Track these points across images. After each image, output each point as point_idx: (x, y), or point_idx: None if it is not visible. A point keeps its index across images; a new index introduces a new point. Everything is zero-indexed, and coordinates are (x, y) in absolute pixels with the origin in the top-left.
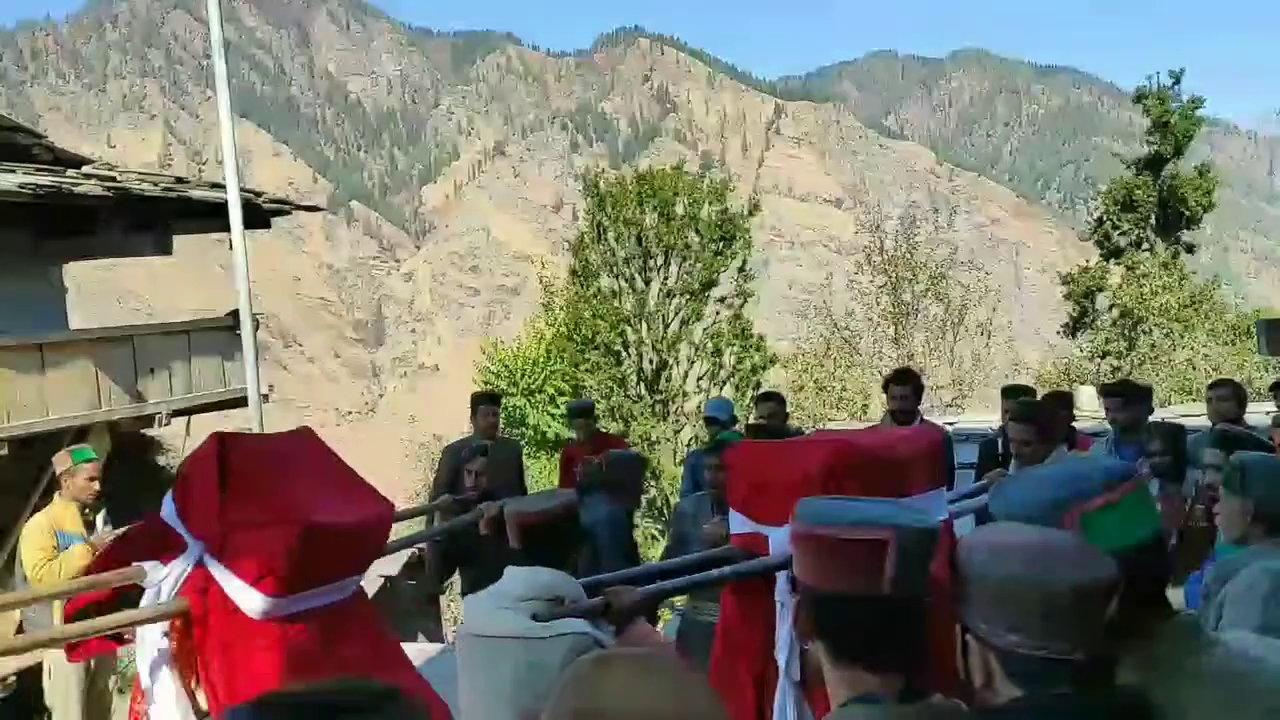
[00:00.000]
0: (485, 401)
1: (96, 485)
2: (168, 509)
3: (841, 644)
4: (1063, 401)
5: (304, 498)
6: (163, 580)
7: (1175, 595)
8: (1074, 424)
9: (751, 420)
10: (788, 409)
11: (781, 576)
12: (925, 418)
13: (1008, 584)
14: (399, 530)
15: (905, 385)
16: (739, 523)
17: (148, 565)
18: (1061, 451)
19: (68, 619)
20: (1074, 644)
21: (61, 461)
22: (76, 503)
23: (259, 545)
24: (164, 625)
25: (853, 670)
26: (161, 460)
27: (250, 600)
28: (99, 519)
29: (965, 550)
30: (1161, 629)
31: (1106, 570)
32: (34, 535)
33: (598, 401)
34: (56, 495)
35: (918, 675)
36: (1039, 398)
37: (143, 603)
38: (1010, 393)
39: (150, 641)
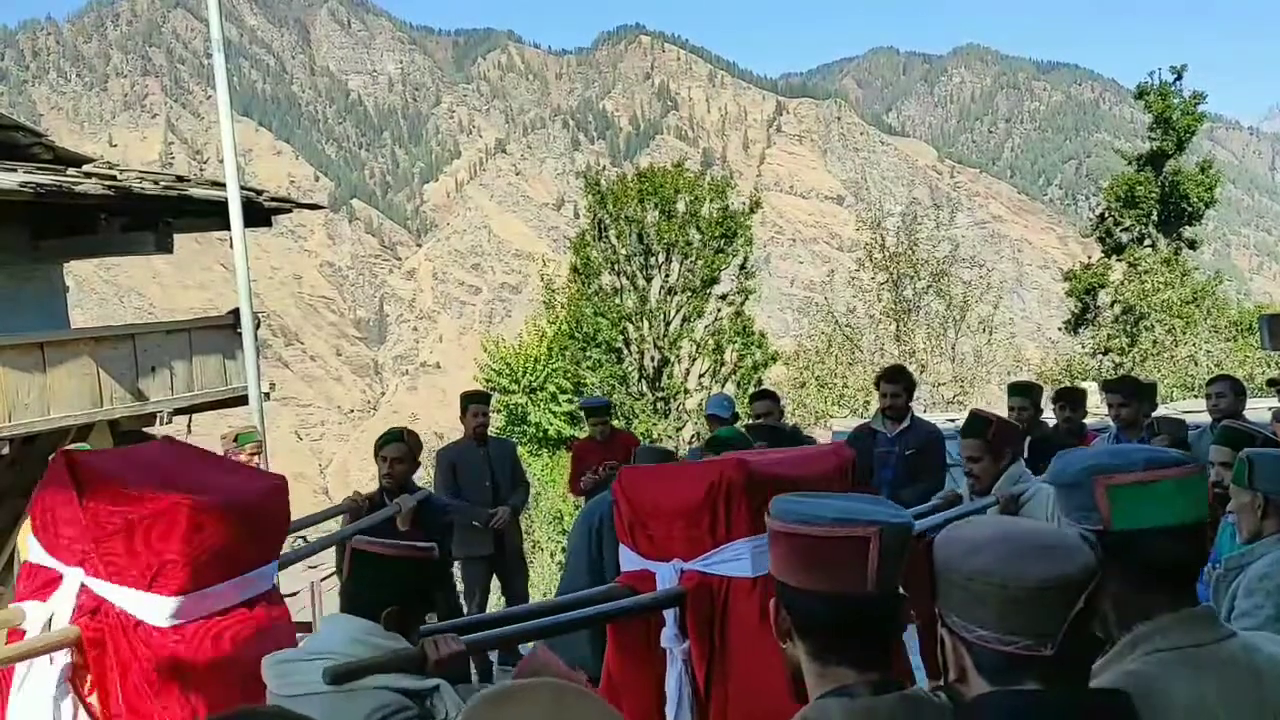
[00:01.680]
0: (475, 400)
1: None
2: (34, 551)
3: (824, 642)
4: (1077, 399)
5: (176, 485)
6: (49, 618)
7: None
8: (1084, 420)
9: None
10: (790, 406)
11: (669, 621)
12: (918, 415)
13: (975, 577)
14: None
15: (896, 383)
16: (627, 559)
17: (26, 605)
18: (1016, 470)
19: None
20: (1042, 639)
21: None
22: None
23: (139, 545)
24: (60, 664)
25: (834, 667)
26: None
27: (150, 608)
28: None
29: (940, 544)
30: (1178, 617)
31: (1078, 565)
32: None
33: None
34: None
35: (891, 669)
36: (1062, 392)
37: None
38: (1015, 390)
39: (37, 680)
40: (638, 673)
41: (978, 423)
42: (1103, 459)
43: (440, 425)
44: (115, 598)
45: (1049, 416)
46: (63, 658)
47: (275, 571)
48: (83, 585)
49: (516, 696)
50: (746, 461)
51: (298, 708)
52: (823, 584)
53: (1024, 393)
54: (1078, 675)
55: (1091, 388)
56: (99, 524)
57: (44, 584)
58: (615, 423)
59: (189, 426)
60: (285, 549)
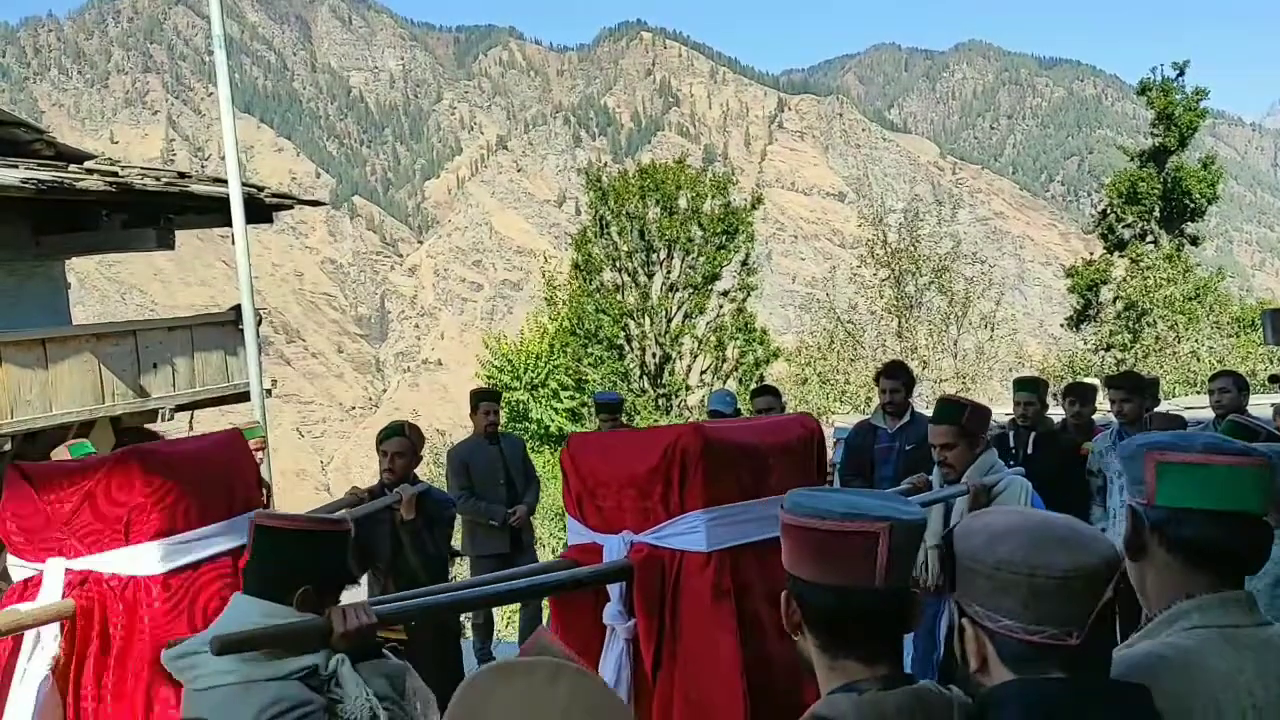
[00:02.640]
0: (485, 398)
1: None
2: (11, 565)
3: (834, 636)
4: (1086, 394)
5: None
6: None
7: None
8: (1093, 416)
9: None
10: (792, 403)
11: (613, 596)
12: (918, 410)
13: (1000, 567)
14: None
15: (896, 379)
16: (575, 532)
17: (20, 606)
18: (989, 459)
19: None
20: (1067, 628)
21: (61, 457)
22: None
23: (103, 505)
24: (50, 651)
25: (844, 661)
26: None
27: (133, 560)
28: None
29: (961, 533)
30: (1219, 598)
31: (1101, 555)
32: None
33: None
34: None
35: (900, 663)
36: (1071, 387)
37: (24, 645)
38: (1021, 385)
39: (35, 671)
40: (584, 652)
41: (950, 408)
42: (1164, 438)
43: (442, 422)
44: (99, 565)
45: (1054, 412)
46: (51, 645)
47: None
48: (66, 570)
49: (516, 671)
50: (702, 428)
51: (205, 702)
52: (832, 577)
53: (1030, 388)
54: (1099, 665)
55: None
56: (61, 504)
57: (29, 588)
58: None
59: (190, 423)
60: None
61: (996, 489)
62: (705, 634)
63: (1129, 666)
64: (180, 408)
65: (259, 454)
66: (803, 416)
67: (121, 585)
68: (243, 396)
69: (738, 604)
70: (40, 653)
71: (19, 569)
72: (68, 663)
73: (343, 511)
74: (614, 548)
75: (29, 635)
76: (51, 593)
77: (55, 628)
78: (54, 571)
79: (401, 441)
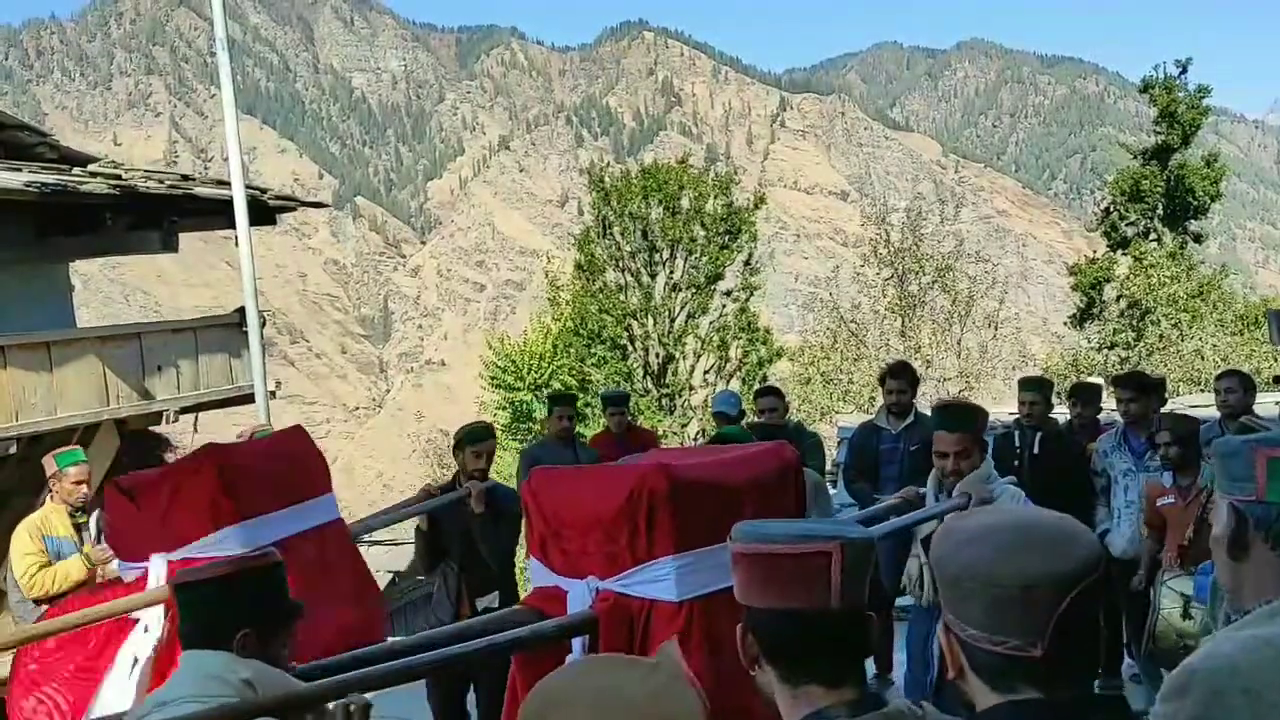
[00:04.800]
0: (560, 403)
1: (84, 488)
2: (121, 570)
3: (793, 663)
4: (1091, 395)
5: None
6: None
7: (1186, 584)
8: (1098, 416)
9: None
10: (795, 403)
11: (575, 646)
12: (922, 411)
13: (964, 574)
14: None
15: (901, 379)
16: (539, 574)
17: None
18: (987, 469)
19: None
20: (1030, 639)
21: (48, 465)
22: (66, 506)
23: (187, 499)
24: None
25: (807, 687)
26: (170, 458)
27: (220, 542)
28: (92, 521)
29: (937, 537)
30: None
31: (1075, 560)
32: (22, 539)
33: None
34: (48, 498)
35: (864, 684)
36: (1076, 387)
37: (132, 633)
38: (1027, 385)
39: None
40: None
41: (964, 415)
42: (1271, 435)
43: (445, 422)
44: (194, 552)
45: (1059, 411)
46: (156, 628)
47: (333, 506)
48: (168, 562)
49: (618, 661)
50: (670, 467)
51: None
52: (786, 601)
53: (1035, 387)
54: (1078, 679)
55: (1100, 384)
56: (155, 508)
57: (137, 583)
58: None
59: (195, 425)
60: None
61: (994, 499)
62: None
63: (1236, 645)
64: (185, 410)
65: (81, 488)
66: (779, 446)
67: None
68: (247, 398)
69: (711, 656)
70: (147, 635)
71: (130, 571)
72: (170, 643)
73: (421, 504)
74: (579, 595)
75: (139, 623)
76: (156, 584)
77: (160, 613)
78: (157, 566)
79: (493, 443)
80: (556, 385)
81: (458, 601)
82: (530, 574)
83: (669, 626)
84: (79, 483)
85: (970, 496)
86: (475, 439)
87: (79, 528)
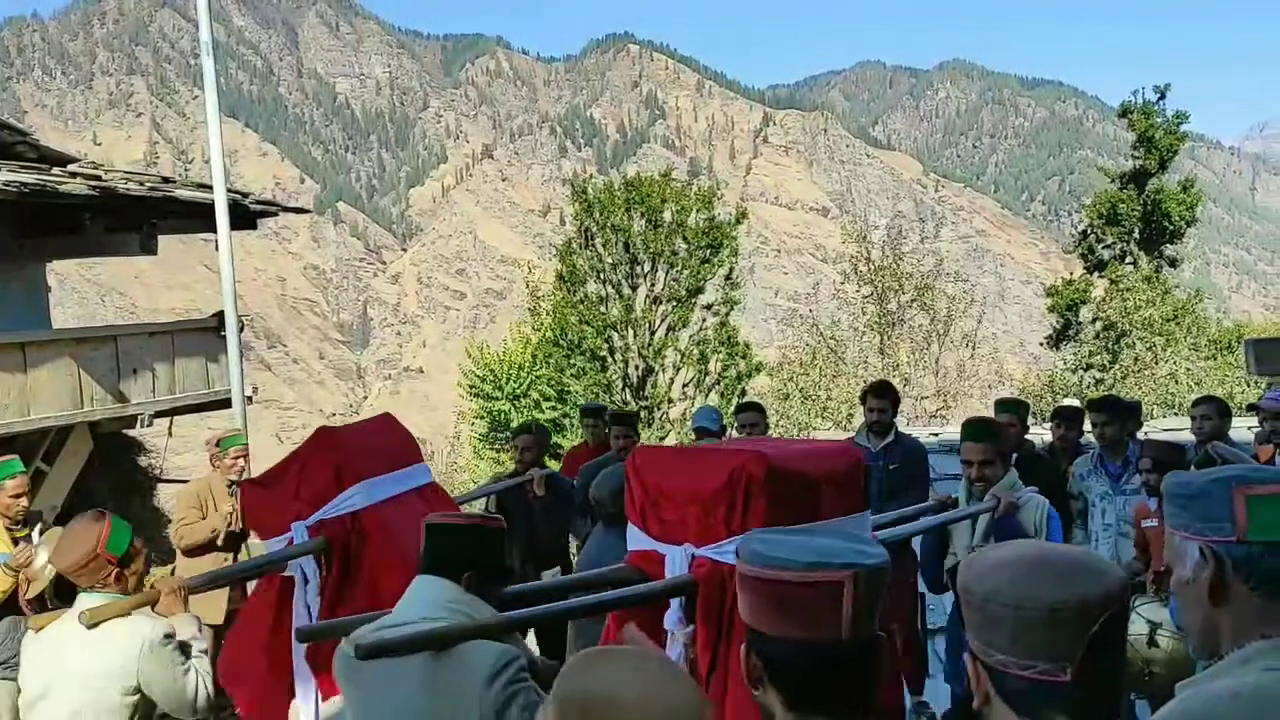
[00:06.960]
0: (619, 422)
1: (22, 501)
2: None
3: (800, 692)
4: (1074, 417)
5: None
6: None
7: (1157, 611)
8: (1079, 440)
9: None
10: (774, 418)
11: (674, 604)
12: (901, 429)
13: (991, 601)
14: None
15: (883, 398)
16: (636, 538)
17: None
18: (1012, 477)
19: None
20: (1059, 663)
21: None
22: (3, 519)
23: (314, 470)
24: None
25: (810, 717)
26: (143, 461)
27: (350, 499)
28: (35, 533)
29: (964, 565)
30: None
31: (1102, 587)
32: None
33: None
34: None
35: (870, 715)
36: (1060, 410)
37: (296, 590)
38: (1003, 406)
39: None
40: None
41: (988, 428)
42: (1239, 471)
43: (422, 430)
44: (328, 513)
45: (1035, 432)
46: (314, 576)
47: (427, 471)
48: (307, 527)
49: (608, 657)
50: (767, 455)
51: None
52: (795, 631)
53: (1012, 409)
54: (1105, 705)
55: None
56: (286, 485)
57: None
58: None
59: (170, 429)
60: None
61: (1019, 504)
62: None
63: (1205, 700)
64: (160, 413)
65: (239, 463)
66: (847, 445)
67: (349, 518)
68: (223, 403)
69: None
70: (310, 585)
71: (275, 544)
72: (329, 582)
73: (490, 485)
74: (676, 559)
75: (298, 576)
76: (300, 538)
77: (313, 562)
78: (299, 531)
79: (529, 438)
80: (535, 395)
81: (523, 575)
82: (628, 537)
83: None
84: (17, 496)
85: (999, 500)
86: (514, 433)
87: (17, 542)
